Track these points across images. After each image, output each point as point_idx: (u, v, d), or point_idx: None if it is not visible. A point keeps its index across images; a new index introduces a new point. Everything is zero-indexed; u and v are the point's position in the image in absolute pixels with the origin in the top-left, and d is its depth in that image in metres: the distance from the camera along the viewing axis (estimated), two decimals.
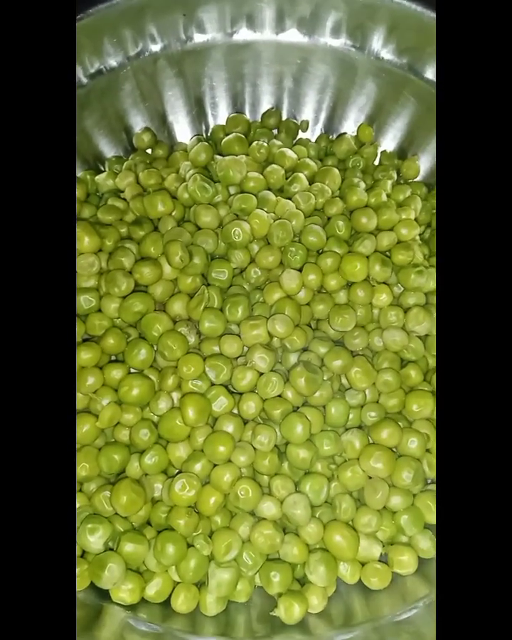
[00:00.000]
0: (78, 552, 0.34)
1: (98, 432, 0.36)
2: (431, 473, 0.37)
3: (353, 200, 0.42)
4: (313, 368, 0.36)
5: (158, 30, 0.44)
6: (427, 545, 0.35)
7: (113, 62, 0.44)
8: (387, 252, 0.41)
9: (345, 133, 0.49)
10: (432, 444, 0.37)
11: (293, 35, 0.46)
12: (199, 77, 0.48)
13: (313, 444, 0.36)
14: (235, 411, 0.37)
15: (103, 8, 0.41)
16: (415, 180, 0.48)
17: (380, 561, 0.35)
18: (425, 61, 0.44)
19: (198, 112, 0.49)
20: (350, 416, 0.37)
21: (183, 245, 0.38)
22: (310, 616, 0.34)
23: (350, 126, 0.50)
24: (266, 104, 0.50)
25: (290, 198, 0.42)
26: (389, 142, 0.49)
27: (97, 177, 0.45)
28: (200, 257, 0.38)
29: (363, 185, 0.44)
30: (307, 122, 0.50)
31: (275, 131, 0.50)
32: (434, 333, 0.40)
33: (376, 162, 0.49)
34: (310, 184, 0.43)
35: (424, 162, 0.48)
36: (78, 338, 0.37)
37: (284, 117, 0.50)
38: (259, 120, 0.50)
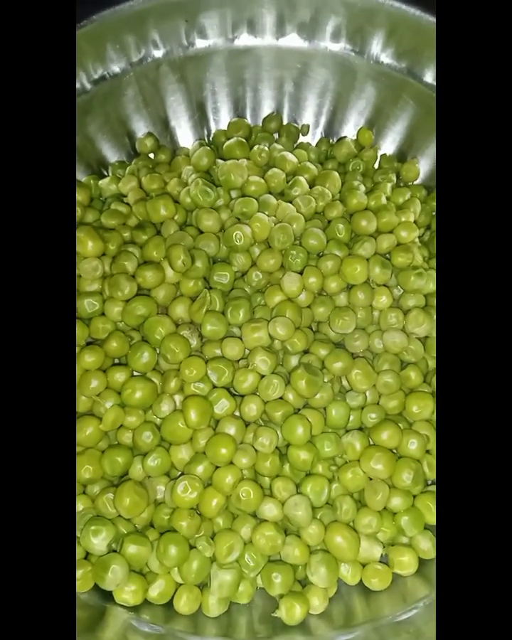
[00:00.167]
0: (82, 554, 0.34)
1: (101, 434, 0.36)
2: (431, 475, 0.37)
3: (353, 203, 0.42)
4: (313, 370, 0.36)
5: (161, 36, 0.45)
6: (428, 545, 0.36)
7: (116, 68, 0.45)
8: (387, 255, 0.41)
9: (345, 136, 0.50)
10: (432, 446, 0.37)
11: (293, 40, 0.47)
12: (201, 82, 0.48)
13: (314, 446, 0.36)
14: (237, 413, 0.37)
15: (106, 14, 0.41)
16: (415, 183, 0.49)
17: (380, 562, 0.36)
18: (424, 65, 0.45)
19: (199, 116, 0.50)
20: (351, 418, 0.38)
21: (186, 249, 0.38)
22: (311, 617, 0.34)
23: (350, 129, 0.50)
24: (267, 108, 0.51)
25: (291, 202, 0.42)
26: (388, 145, 0.50)
27: (100, 182, 0.46)
28: (202, 260, 0.39)
29: (362, 188, 0.44)
30: (308, 126, 0.51)
31: (276, 136, 0.50)
32: (434, 334, 0.40)
33: (376, 165, 0.50)
34: (310, 187, 0.43)
35: (424, 165, 0.48)
36: (82, 341, 0.38)
37: (285, 121, 0.51)
38: (260, 124, 0.50)
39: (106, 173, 0.48)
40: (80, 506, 0.35)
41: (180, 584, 0.34)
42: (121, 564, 0.33)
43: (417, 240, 0.43)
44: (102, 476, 0.36)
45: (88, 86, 0.44)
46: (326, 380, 0.38)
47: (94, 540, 0.33)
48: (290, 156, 0.45)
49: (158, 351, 0.37)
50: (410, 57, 0.45)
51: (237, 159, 0.43)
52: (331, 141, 0.50)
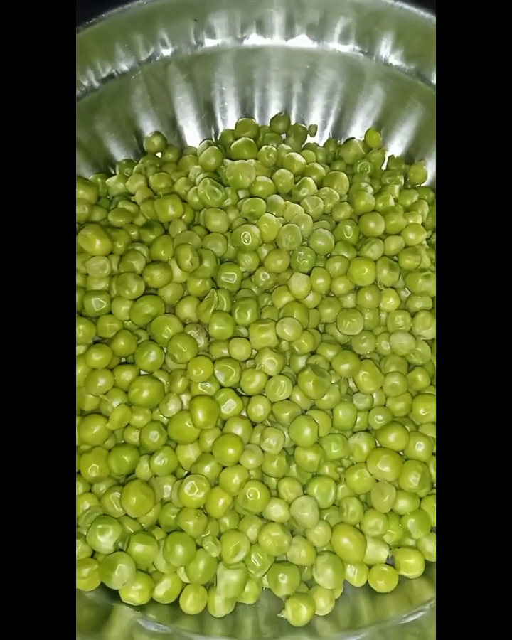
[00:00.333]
0: (88, 553, 0.34)
1: (108, 433, 0.36)
2: None
3: (361, 204, 0.42)
4: (321, 372, 0.36)
5: (169, 35, 0.45)
6: (434, 548, 0.36)
7: (124, 67, 0.45)
8: (395, 257, 0.41)
9: (353, 138, 0.50)
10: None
11: (302, 41, 0.47)
12: (209, 82, 0.48)
13: (321, 447, 0.36)
14: (244, 414, 0.37)
15: (115, 13, 0.41)
16: (422, 185, 0.49)
17: (386, 564, 0.36)
18: (432, 67, 0.45)
19: (207, 116, 0.50)
20: (358, 419, 0.38)
21: (193, 249, 0.38)
22: (317, 618, 0.34)
23: (357, 131, 0.50)
24: (274, 108, 0.51)
25: (299, 203, 0.42)
26: (396, 147, 0.50)
27: (107, 180, 0.46)
28: (210, 260, 0.39)
29: (370, 189, 0.44)
30: (315, 127, 0.51)
31: (284, 136, 0.50)
32: None
33: (383, 167, 0.50)
34: (318, 188, 0.43)
35: (431, 167, 0.48)
36: (89, 340, 0.38)
37: (293, 122, 0.51)
38: (268, 125, 0.50)
39: (113, 172, 0.48)
40: (86, 505, 0.35)
41: (187, 584, 0.34)
42: (128, 563, 0.33)
43: (424, 242, 0.43)
44: (108, 475, 0.36)
45: (96, 84, 0.44)
46: (333, 382, 0.38)
47: (100, 538, 0.33)
48: (298, 157, 0.45)
49: (165, 350, 0.37)
50: (419, 60, 0.45)
51: (245, 159, 0.43)
52: (338, 142, 0.50)
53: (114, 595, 0.33)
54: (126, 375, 0.37)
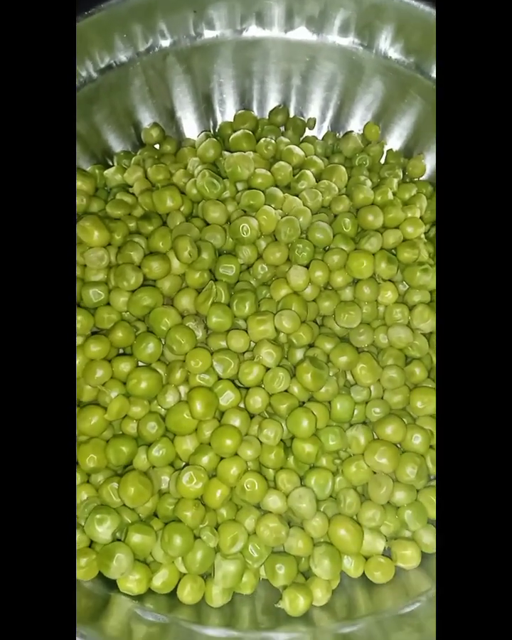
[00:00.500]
0: (86, 543, 0.34)
1: (106, 424, 0.36)
2: (434, 470, 0.38)
3: (360, 197, 0.42)
4: (319, 364, 0.36)
5: (168, 27, 0.45)
6: (430, 539, 0.36)
7: (123, 58, 0.44)
8: (393, 250, 0.41)
9: (351, 131, 0.50)
10: (436, 441, 0.38)
11: (301, 33, 0.47)
12: (208, 74, 0.48)
13: (319, 439, 0.36)
14: (242, 405, 0.37)
15: (114, 3, 0.41)
16: (421, 179, 0.49)
17: (383, 555, 0.36)
18: (432, 60, 0.45)
19: (206, 108, 0.50)
20: (355, 412, 0.38)
21: (192, 240, 0.38)
22: (314, 609, 0.34)
23: (356, 124, 0.50)
24: (273, 101, 0.51)
25: (297, 195, 0.42)
26: (395, 141, 0.50)
27: (105, 171, 0.45)
28: (209, 252, 0.38)
29: (369, 183, 0.44)
30: (314, 120, 0.51)
31: (282, 129, 0.50)
32: None
33: (382, 160, 0.50)
34: (317, 181, 0.43)
35: (430, 161, 0.48)
36: (87, 331, 0.38)
37: (292, 115, 0.51)
38: (267, 117, 0.50)
39: (111, 163, 0.48)
40: (84, 495, 0.35)
41: (184, 574, 0.34)
42: (126, 552, 0.33)
43: (422, 235, 0.43)
44: (106, 466, 0.36)
45: (95, 75, 0.44)
46: (331, 374, 0.38)
47: (98, 528, 0.33)
48: (297, 150, 0.45)
49: (163, 342, 0.37)
50: (418, 53, 0.45)
51: (244, 151, 0.43)
52: (337, 135, 0.50)
53: (112, 585, 0.33)
54: (124, 366, 0.37)
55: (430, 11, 0.42)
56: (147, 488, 0.34)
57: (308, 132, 0.51)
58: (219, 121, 0.50)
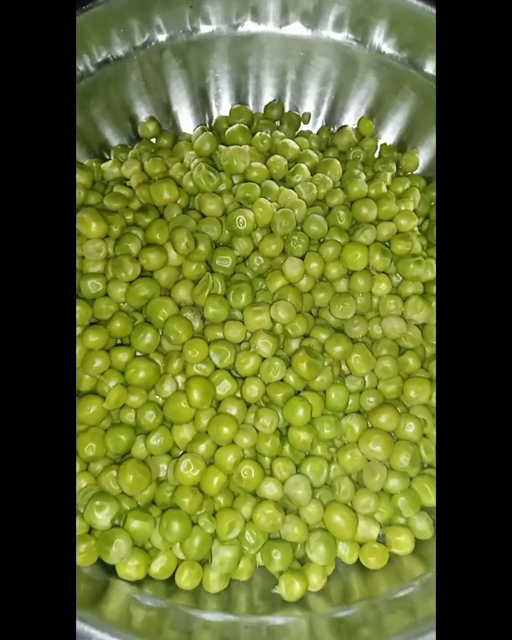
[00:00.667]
0: (85, 529, 0.34)
1: (105, 413, 0.37)
2: (428, 458, 0.38)
3: (354, 191, 0.43)
4: (314, 354, 0.37)
5: (165, 21, 0.45)
6: (424, 526, 0.37)
7: (120, 52, 0.45)
8: (387, 242, 0.42)
9: (346, 125, 0.50)
10: (429, 429, 0.38)
11: (296, 29, 0.47)
12: (203, 68, 0.48)
13: (314, 428, 0.37)
14: (238, 394, 0.37)
15: None
16: (414, 173, 0.49)
17: (378, 541, 0.36)
18: (425, 55, 0.45)
19: (201, 102, 0.50)
20: (350, 401, 0.38)
21: (189, 232, 0.38)
22: (310, 594, 0.35)
23: (350, 119, 0.51)
24: (268, 96, 0.51)
25: (292, 188, 0.42)
26: (389, 135, 0.50)
27: (102, 165, 0.46)
28: (205, 244, 0.39)
29: (363, 176, 0.45)
30: (309, 114, 0.51)
31: (277, 123, 0.50)
32: (432, 321, 0.41)
33: (376, 154, 0.50)
34: (312, 175, 0.44)
35: (423, 155, 0.49)
36: (85, 322, 0.38)
37: (287, 109, 0.51)
38: (262, 112, 0.51)
39: (108, 157, 0.48)
40: (83, 483, 0.36)
41: (182, 560, 0.35)
42: (125, 538, 0.33)
43: (416, 228, 0.43)
44: (104, 454, 0.36)
45: (92, 69, 0.45)
46: (326, 364, 0.38)
47: (98, 515, 0.33)
48: (292, 143, 0.45)
49: (161, 332, 0.38)
50: (412, 48, 0.45)
51: (240, 145, 0.44)
52: (331, 129, 0.51)
53: (111, 571, 0.34)
54: (122, 356, 0.37)
55: (423, 7, 0.43)
56: (145, 476, 0.35)
57: (303, 127, 0.52)
58: (215, 116, 0.51)
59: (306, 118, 0.51)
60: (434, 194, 0.47)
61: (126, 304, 0.39)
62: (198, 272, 0.39)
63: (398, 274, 0.42)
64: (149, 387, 0.37)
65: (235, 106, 0.49)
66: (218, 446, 0.36)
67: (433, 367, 0.40)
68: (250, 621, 0.33)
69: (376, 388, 0.39)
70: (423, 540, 0.37)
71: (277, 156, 0.44)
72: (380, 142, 0.50)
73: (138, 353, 0.38)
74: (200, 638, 0.31)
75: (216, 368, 0.37)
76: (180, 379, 0.37)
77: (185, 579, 0.34)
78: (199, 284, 0.39)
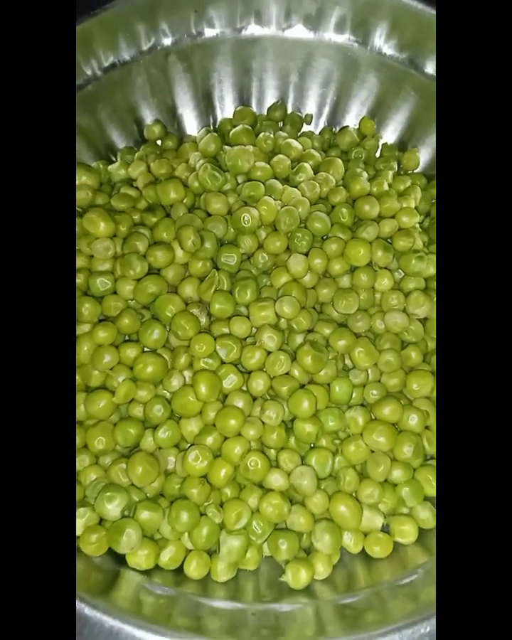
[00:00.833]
0: (96, 520, 0.35)
1: (114, 407, 0.37)
2: (430, 449, 0.39)
3: (356, 189, 0.44)
4: (319, 347, 0.38)
5: (170, 26, 0.46)
6: (427, 515, 0.37)
7: (126, 56, 0.46)
8: (389, 239, 0.43)
9: (347, 126, 0.51)
10: (431, 421, 0.39)
11: (299, 31, 0.48)
12: (208, 72, 0.50)
13: (319, 420, 0.38)
14: (244, 388, 0.38)
15: (118, 3, 0.43)
16: (415, 171, 0.50)
17: (382, 531, 0.37)
18: (425, 56, 0.46)
19: (206, 105, 0.51)
20: (354, 394, 0.39)
21: (195, 230, 0.39)
22: (315, 582, 0.36)
23: (352, 119, 0.52)
24: (271, 97, 0.52)
25: (296, 187, 0.43)
26: (390, 135, 0.51)
27: (109, 167, 0.47)
28: (211, 241, 0.40)
29: (365, 175, 0.46)
30: (311, 116, 0.52)
31: (280, 124, 0.51)
32: (433, 316, 0.41)
33: (377, 154, 0.51)
34: (315, 174, 0.45)
35: (424, 154, 0.50)
36: (94, 319, 0.39)
37: (289, 110, 0.52)
38: (265, 113, 0.52)
39: (114, 159, 0.49)
40: (93, 476, 0.36)
41: (190, 550, 0.36)
42: (136, 528, 0.34)
43: (417, 225, 0.44)
44: (113, 448, 0.37)
45: (99, 73, 0.46)
46: (330, 358, 0.39)
47: (108, 505, 0.34)
48: (295, 143, 0.46)
49: (168, 328, 0.39)
50: (412, 49, 0.46)
51: (244, 145, 0.44)
52: (334, 130, 0.52)
53: (121, 561, 0.35)
54: (130, 351, 0.38)
55: (423, 8, 0.44)
56: (154, 468, 0.36)
57: (305, 127, 0.53)
58: (219, 118, 0.52)
59: (308, 119, 0.52)
60: (434, 192, 0.47)
61: (134, 300, 0.40)
62: (204, 269, 0.40)
63: (400, 270, 0.42)
64: (157, 381, 0.38)
65: (239, 108, 0.50)
66: (225, 439, 0.36)
67: (434, 360, 0.41)
68: (258, 608, 0.33)
69: (379, 381, 0.40)
70: (426, 529, 0.37)
71: (281, 156, 0.45)
72: (381, 142, 0.51)
73: (146, 349, 0.39)
74: (209, 623, 0.32)
75: (222, 363, 0.38)
76: (187, 373, 0.38)
77: (194, 569, 0.35)
78: (205, 281, 0.40)
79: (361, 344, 0.39)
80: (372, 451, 0.38)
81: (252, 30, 0.48)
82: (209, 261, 0.40)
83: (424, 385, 0.39)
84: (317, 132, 0.52)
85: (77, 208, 0.43)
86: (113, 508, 0.34)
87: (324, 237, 0.42)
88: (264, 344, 0.38)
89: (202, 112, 0.52)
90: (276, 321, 0.39)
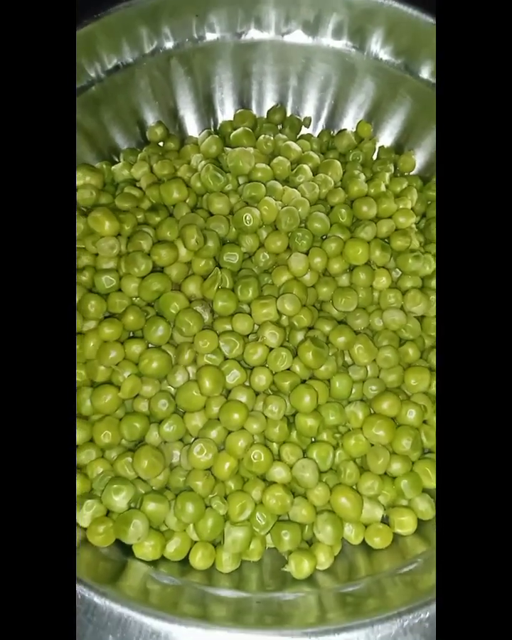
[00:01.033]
0: (103, 512, 0.36)
1: (119, 402, 0.38)
2: (428, 443, 0.40)
3: (355, 190, 0.45)
4: (320, 343, 0.39)
5: (172, 30, 0.47)
6: (425, 506, 0.38)
7: (129, 59, 0.47)
8: (387, 239, 0.44)
9: (345, 129, 0.52)
10: (429, 416, 0.40)
11: (297, 37, 0.49)
12: (209, 75, 0.51)
13: (320, 414, 0.38)
14: (247, 384, 0.39)
15: (122, 7, 0.44)
16: (411, 173, 0.51)
17: (382, 522, 0.38)
18: (421, 61, 0.47)
19: (207, 107, 0.52)
20: (353, 390, 0.40)
21: (198, 229, 0.40)
22: (317, 572, 0.36)
23: (349, 122, 0.53)
24: (270, 101, 0.53)
25: (296, 188, 0.44)
26: (386, 138, 0.52)
27: (113, 167, 0.48)
28: (214, 240, 0.41)
29: (363, 176, 0.47)
30: (310, 119, 0.53)
31: (280, 127, 0.52)
32: (430, 313, 0.42)
33: (374, 156, 0.52)
34: (314, 175, 0.46)
35: (420, 157, 0.51)
36: (100, 315, 0.40)
37: (288, 114, 0.53)
38: (265, 116, 0.53)
39: (117, 160, 0.50)
40: (99, 469, 0.37)
41: (196, 542, 0.37)
42: (142, 519, 0.35)
43: (414, 225, 0.45)
44: (119, 442, 0.38)
45: (102, 76, 0.47)
46: (330, 354, 0.40)
47: (115, 497, 0.35)
48: (294, 146, 0.47)
49: (172, 325, 0.39)
50: (407, 55, 0.48)
51: (245, 147, 0.45)
52: (332, 133, 0.53)
53: (128, 552, 0.36)
54: (136, 348, 0.39)
55: (418, 15, 0.45)
56: (159, 461, 0.37)
57: (304, 130, 0.54)
58: (219, 120, 0.53)
59: (307, 122, 0.53)
60: (430, 193, 0.49)
61: (138, 298, 0.40)
62: (206, 268, 0.41)
63: (397, 269, 0.44)
64: (162, 377, 0.39)
65: (239, 111, 0.52)
66: (229, 432, 0.37)
67: (432, 357, 0.42)
68: (261, 596, 0.34)
69: (378, 377, 0.41)
70: (425, 520, 0.38)
71: (281, 158, 0.46)
72: (378, 144, 0.52)
73: (151, 345, 0.40)
74: (215, 611, 0.33)
75: (226, 358, 0.39)
76: (191, 369, 0.39)
77: (199, 559, 0.36)
78: (208, 279, 0.40)
79: (360, 341, 0.40)
80: (372, 445, 0.38)
81: (252, 35, 0.49)
82: (212, 259, 0.41)
83: (421, 381, 0.40)
84: (316, 135, 0.53)
85: (82, 208, 0.43)
86: (120, 500, 0.35)
87: (324, 237, 0.43)
88: (266, 340, 0.39)
89: (203, 114, 0.53)
90: (278, 318, 0.40)
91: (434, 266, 0.43)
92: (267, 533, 0.37)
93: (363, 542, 0.38)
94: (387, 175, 0.48)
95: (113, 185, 0.48)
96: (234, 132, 0.48)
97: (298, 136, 0.53)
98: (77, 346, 0.39)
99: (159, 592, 0.33)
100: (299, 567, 0.36)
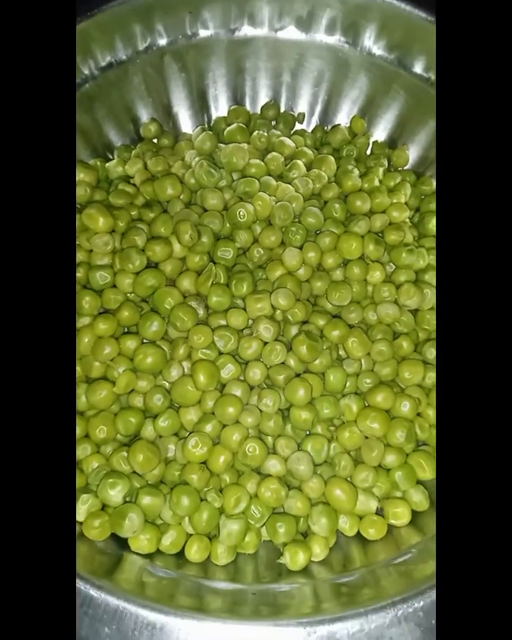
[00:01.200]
0: (99, 506, 0.36)
1: (115, 397, 0.38)
2: (422, 435, 0.40)
3: (348, 185, 0.45)
4: (314, 337, 0.39)
5: (165, 27, 0.47)
6: (419, 498, 0.38)
7: (123, 56, 0.47)
8: (380, 233, 0.44)
9: (339, 124, 0.52)
10: (423, 408, 0.40)
11: (291, 33, 0.49)
12: (202, 71, 0.51)
13: (314, 407, 0.39)
14: (242, 377, 0.39)
15: (115, 4, 0.44)
16: (405, 168, 0.52)
17: (376, 514, 0.38)
18: (414, 57, 0.48)
19: (201, 104, 0.53)
20: (348, 383, 0.40)
21: (193, 225, 0.40)
22: (313, 564, 0.37)
23: (343, 118, 0.53)
24: (264, 97, 0.53)
25: (290, 183, 0.45)
26: (380, 133, 0.53)
27: (107, 164, 0.48)
28: (208, 236, 0.41)
29: (356, 171, 0.47)
30: (303, 114, 0.53)
31: (273, 123, 0.53)
32: (424, 307, 0.43)
33: (368, 151, 0.52)
34: (307, 171, 0.46)
35: (413, 151, 0.51)
36: (95, 311, 0.40)
37: (282, 109, 0.54)
38: (259, 112, 0.53)
39: (111, 157, 0.50)
40: (95, 464, 0.37)
41: (191, 535, 0.37)
42: (138, 512, 0.35)
43: (407, 220, 0.46)
44: (115, 437, 0.38)
45: (96, 73, 0.47)
46: (324, 348, 0.40)
47: (111, 491, 0.35)
48: (288, 141, 0.48)
49: (167, 320, 0.40)
50: (401, 50, 0.48)
51: (239, 143, 0.46)
52: (325, 128, 0.53)
53: (124, 545, 0.36)
54: (130, 343, 0.39)
55: (411, 10, 0.45)
56: (155, 455, 0.37)
57: (297, 126, 0.54)
58: (213, 117, 0.53)
59: (300, 118, 0.53)
60: (423, 188, 0.49)
61: (133, 293, 0.41)
62: (201, 263, 0.41)
63: (391, 263, 0.44)
64: (157, 372, 0.39)
65: (233, 107, 0.52)
66: (224, 426, 0.38)
67: (425, 350, 0.42)
68: (257, 588, 0.34)
69: (372, 370, 0.41)
70: (419, 512, 0.39)
71: (274, 153, 0.46)
72: (371, 139, 0.52)
73: (145, 340, 0.40)
74: (211, 602, 0.33)
75: (220, 353, 0.39)
76: (186, 364, 0.39)
77: (195, 552, 0.36)
78: (202, 275, 0.41)
79: (354, 334, 0.40)
80: (366, 437, 0.39)
81: (246, 31, 0.49)
82: (206, 255, 0.41)
83: (415, 374, 0.41)
84: (309, 130, 0.53)
85: (76, 205, 0.44)
86: (115, 494, 0.36)
87: (318, 232, 0.44)
88: (260, 335, 0.39)
89: (197, 110, 0.53)
90: (272, 313, 0.40)
91: (427, 260, 0.44)
92: (262, 526, 0.37)
93: (358, 533, 0.38)
94: (381, 170, 0.48)
95: (107, 182, 0.48)
96: (228, 128, 0.48)
97: (292, 131, 0.53)
98: None
99: (155, 584, 0.34)
100: (294, 558, 0.36)
